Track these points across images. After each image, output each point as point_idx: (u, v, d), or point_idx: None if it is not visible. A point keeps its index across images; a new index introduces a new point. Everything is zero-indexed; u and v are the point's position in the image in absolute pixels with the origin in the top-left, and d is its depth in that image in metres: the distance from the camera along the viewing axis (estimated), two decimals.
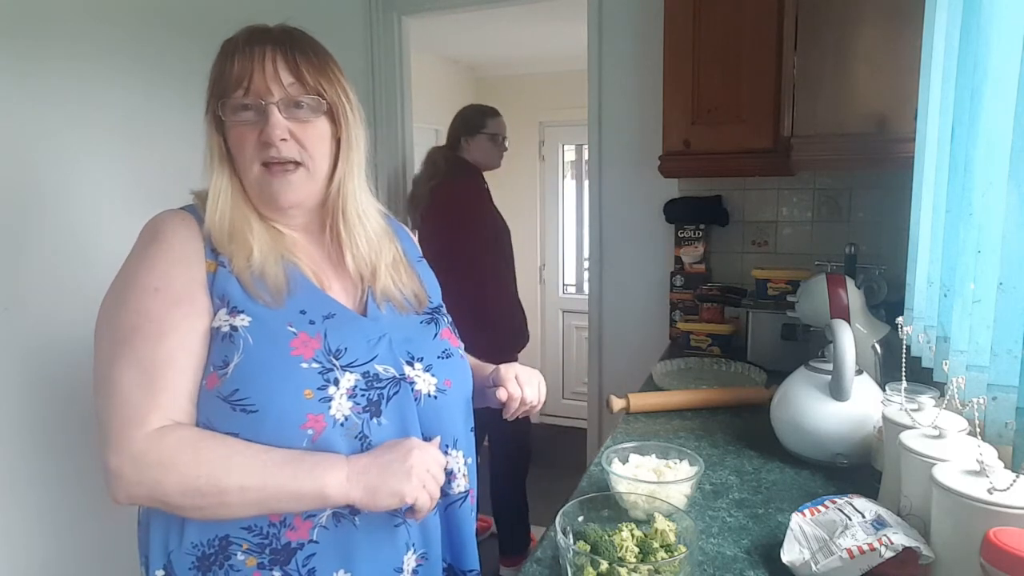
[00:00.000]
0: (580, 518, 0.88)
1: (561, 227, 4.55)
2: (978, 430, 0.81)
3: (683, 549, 0.81)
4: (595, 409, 2.52)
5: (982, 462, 0.73)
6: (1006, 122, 0.84)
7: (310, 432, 0.79)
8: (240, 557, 0.79)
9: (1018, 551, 0.60)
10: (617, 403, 1.50)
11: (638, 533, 0.84)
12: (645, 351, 2.32)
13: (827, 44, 1.54)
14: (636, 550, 0.81)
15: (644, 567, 0.78)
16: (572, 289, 4.62)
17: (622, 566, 0.77)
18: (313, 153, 0.88)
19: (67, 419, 1.53)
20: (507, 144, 2.62)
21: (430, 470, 0.81)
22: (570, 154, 4.57)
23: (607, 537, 0.82)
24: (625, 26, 2.27)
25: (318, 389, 0.80)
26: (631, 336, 2.41)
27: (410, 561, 0.87)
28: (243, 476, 0.75)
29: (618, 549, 0.81)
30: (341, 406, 0.81)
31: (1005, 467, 0.75)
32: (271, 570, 0.79)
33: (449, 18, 2.82)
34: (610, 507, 0.93)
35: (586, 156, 2.70)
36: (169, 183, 1.69)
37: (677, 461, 1.05)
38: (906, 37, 1.36)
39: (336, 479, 0.77)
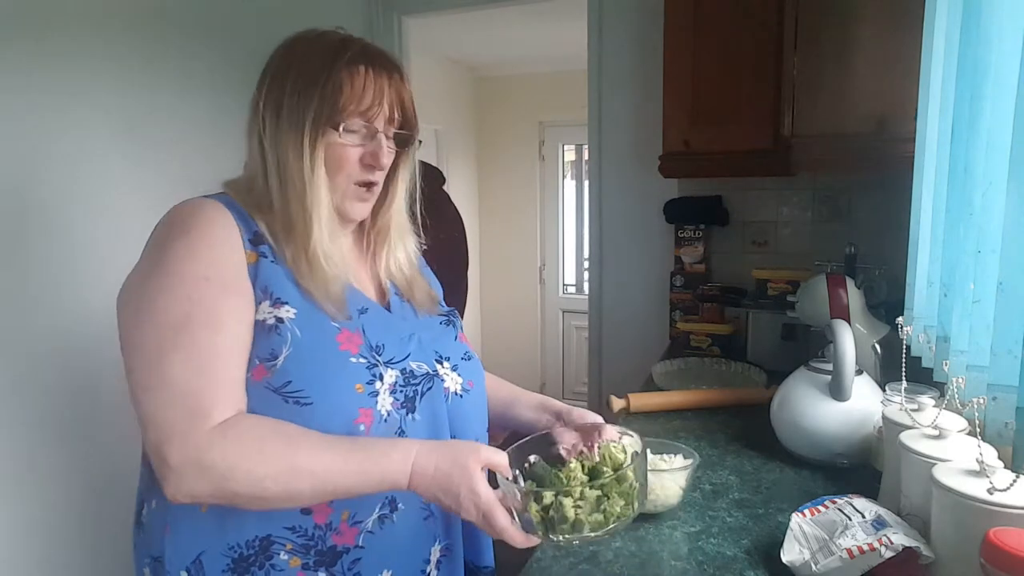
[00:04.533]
0: (532, 458, 0.81)
1: (561, 227, 4.56)
2: (978, 430, 0.81)
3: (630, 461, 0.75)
4: (595, 409, 2.48)
5: (982, 462, 0.73)
6: (1006, 122, 0.84)
7: (362, 428, 0.79)
8: (283, 557, 0.78)
9: (1018, 551, 0.60)
10: (617, 403, 1.50)
11: (588, 463, 0.79)
12: (645, 351, 2.32)
13: (827, 44, 1.54)
14: (585, 478, 0.76)
15: (592, 493, 0.71)
16: (572, 289, 4.63)
17: (567, 496, 0.71)
18: (385, 176, 0.92)
19: (67, 417, 1.53)
20: None
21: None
22: (570, 154, 4.57)
23: (554, 472, 0.77)
24: (625, 26, 2.27)
25: (367, 384, 0.80)
26: (631, 336, 2.41)
27: (436, 553, 0.88)
28: (311, 463, 0.72)
29: (566, 482, 0.75)
30: (385, 401, 0.82)
31: (1005, 467, 0.75)
32: (316, 571, 0.79)
33: (449, 18, 2.82)
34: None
35: (586, 156, 2.70)
36: (169, 183, 1.70)
37: (672, 456, 1.06)
38: (906, 37, 1.36)
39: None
